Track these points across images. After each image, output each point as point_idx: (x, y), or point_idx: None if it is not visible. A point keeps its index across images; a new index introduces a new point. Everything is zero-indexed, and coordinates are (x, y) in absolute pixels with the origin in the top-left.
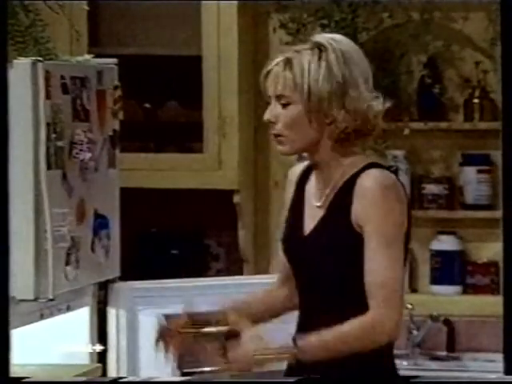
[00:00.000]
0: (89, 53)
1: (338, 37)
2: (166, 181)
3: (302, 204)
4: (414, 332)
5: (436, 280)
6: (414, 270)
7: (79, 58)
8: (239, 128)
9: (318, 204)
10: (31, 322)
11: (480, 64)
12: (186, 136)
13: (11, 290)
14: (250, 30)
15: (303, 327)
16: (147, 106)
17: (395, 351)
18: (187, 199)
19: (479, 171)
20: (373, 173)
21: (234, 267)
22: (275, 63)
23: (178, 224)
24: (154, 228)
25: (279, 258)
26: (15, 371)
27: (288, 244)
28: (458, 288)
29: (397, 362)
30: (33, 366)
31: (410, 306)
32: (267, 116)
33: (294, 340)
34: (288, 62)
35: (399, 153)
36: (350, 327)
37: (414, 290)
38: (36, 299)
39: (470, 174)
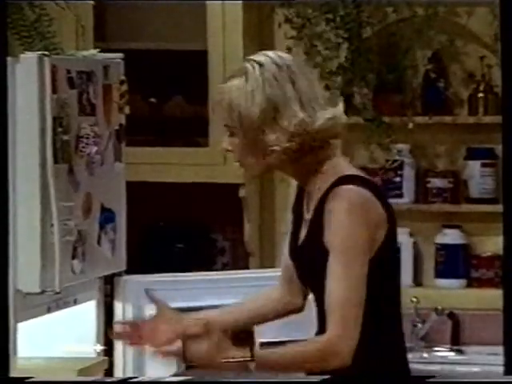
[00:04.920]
0: (95, 47)
1: (267, 58)
2: (171, 175)
3: (301, 212)
4: (419, 325)
5: (441, 273)
6: (418, 263)
7: (85, 53)
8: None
9: (308, 217)
10: (38, 316)
11: (484, 58)
12: (191, 130)
13: (18, 283)
14: (255, 24)
15: (318, 331)
16: (153, 100)
17: None
18: (193, 193)
19: (484, 165)
20: (340, 192)
21: (240, 261)
22: (220, 94)
23: (184, 218)
24: (159, 222)
25: (283, 257)
26: (21, 364)
27: (289, 251)
28: (462, 281)
29: None
30: (39, 360)
31: (414, 300)
32: (223, 145)
33: (252, 351)
34: (222, 92)
35: (404, 147)
36: (305, 347)
37: (418, 283)
38: (42, 292)
39: (474, 167)
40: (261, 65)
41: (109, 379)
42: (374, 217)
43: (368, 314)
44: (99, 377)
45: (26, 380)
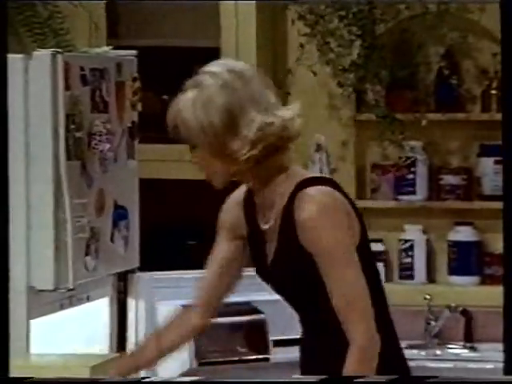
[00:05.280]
0: (107, 45)
1: (219, 66)
2: (184, 172)
3: (255, 225)
4: (432, 323)
5: (453, 271)
6: (431, 260)
7: (98, 50)
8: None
9: (266, 227)
10: (51, 312)
11: (497, 55)
12: None
13: (31, 280)
14: (268, 21)
15: (302, 347)
16: (165, 97)
17: (413, 342)
18: (206, 190)
19: (497, 162)
20: (307, 196)
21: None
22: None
23: (197, 215)
24: (172, 219)
25: (208, 276)
26: (34, 361)
27: (256, 269)
28: (475, 278)
29: (414, 352)
30: (52, 356)
31: (428, 297)
32: (192, 161)
33: None
34: (176, 107)
35: (417, 144)
36: (350, 365)
37: (431, 280)
38: (56, 289)
39: (487, 164)
40: (213, 74)
41: (121, 379)
42: (346, 212)
43: None
44: (111, 376)
45: (26, 380)
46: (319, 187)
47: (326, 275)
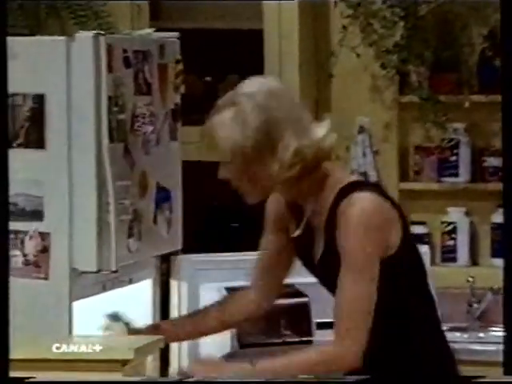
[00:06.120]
0: (150, 27)
1: (249, 88)
2: None
3: (303, 226)
4: (475, 305)
5: (497, 253)
6: (474, 243)
7: (141, 32)
8: (300, 101)
9: (312, 226)
10: (93, 294)
11: None
12: None
13: (74, 262)
14: (310, 3)
15: None
16: (208, 79)
17: (455, 324)
18: None
19: None
20: (351, 201)
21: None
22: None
23: (239, 197)
24: (215, 201)
25: (264, 257)
26: (77, 342)
27: (306, 267)
28: None
29: (457, 334)
30: (95, 338)
31: (471, 279)
32: (220, 175)
33: (251, 361)
34: (212, 125)
35: (460, 126)
36: (310, 357)
37: (474, 262)
38: (99, 271)
39: None
40: (249, 95)
41: (162, 379)
42: (387, 219)
43: (391, 317)
44: (151, 375)
45: (26, 380)
46: (364, 193)
47: (339, 279)
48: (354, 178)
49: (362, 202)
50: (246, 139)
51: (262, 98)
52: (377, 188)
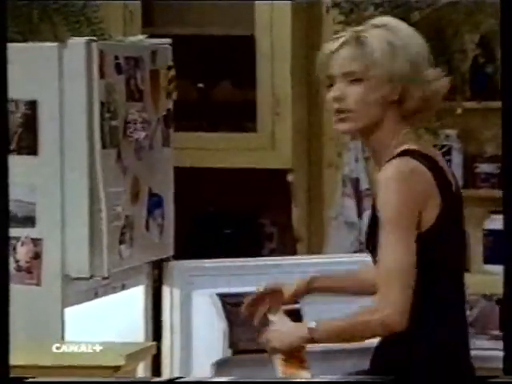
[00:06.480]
0: (142, 33)
1: (395, 20)
2: (219, 160)
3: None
4: (468, 312)
5: (489, 259)
6: (467, 249)
7: (133, 38)
8: (293, 107)
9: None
10: (86, 301)
11: None
12: (239, 115)
13: (66, 268)
14: (303, 8)
15: None
16: (201, 85)
17: None
18: (241, 178)
19: None
20: (392, 163)
21: (288, 247)
22: (342, 42)
23: (232, 203)
24: (207, 207)
25: None
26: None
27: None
28: None
29: None
30: (87, 344)
31: None
32: (335, 93)
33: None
34: (358, 40)
35: (452, 132)
36: (357, 318)
37: (466, 269)
38: (91, 277)
39: None
40: (398, 23)
41: (155, 379)
42: (420, 188)
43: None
44: (145, 376)
45: (26, 380)
46: (403, 158)
47: (380, 238)
48: (413, 146)
49: (399, 163)
50: (400, 62)
51: (409, 30)
52: (427, 160)
